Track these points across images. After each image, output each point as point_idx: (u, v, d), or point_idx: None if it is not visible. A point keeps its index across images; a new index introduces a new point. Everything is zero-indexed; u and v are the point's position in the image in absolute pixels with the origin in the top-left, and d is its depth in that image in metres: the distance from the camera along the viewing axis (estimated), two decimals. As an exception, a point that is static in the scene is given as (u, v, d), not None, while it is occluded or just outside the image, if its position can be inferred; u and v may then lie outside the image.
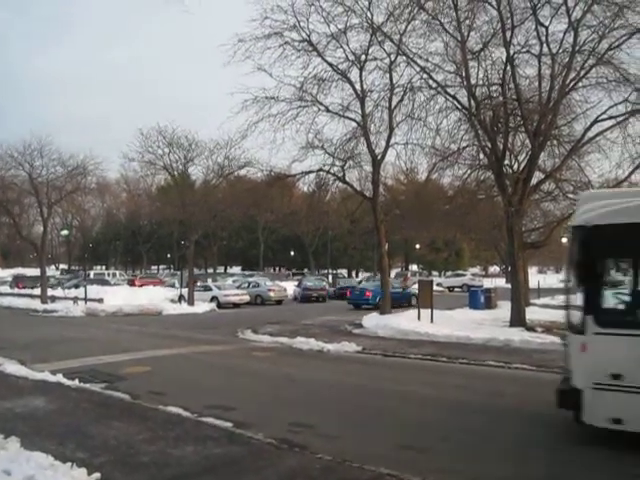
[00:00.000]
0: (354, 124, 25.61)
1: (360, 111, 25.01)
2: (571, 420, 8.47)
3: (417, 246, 73.77)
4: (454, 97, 22.34)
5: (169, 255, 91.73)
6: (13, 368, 14.22)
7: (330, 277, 62.70)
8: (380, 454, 7.80)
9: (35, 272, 50.16)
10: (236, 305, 39.11)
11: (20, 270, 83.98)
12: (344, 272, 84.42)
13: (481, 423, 9.63)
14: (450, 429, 9.23)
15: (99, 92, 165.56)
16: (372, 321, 23.22)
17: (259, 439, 8.46)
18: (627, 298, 9.01)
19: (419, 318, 22.57)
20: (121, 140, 58.60)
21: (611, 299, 8.85)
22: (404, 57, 23.08)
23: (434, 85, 22.57)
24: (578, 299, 8.24)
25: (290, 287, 47.70)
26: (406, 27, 22.59)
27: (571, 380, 8.36)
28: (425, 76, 22.62)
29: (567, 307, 8.60)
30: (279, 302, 42.34)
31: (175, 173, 39.81)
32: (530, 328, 20.87)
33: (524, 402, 11.02)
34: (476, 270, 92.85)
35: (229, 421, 9.51)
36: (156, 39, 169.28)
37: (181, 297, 38.24)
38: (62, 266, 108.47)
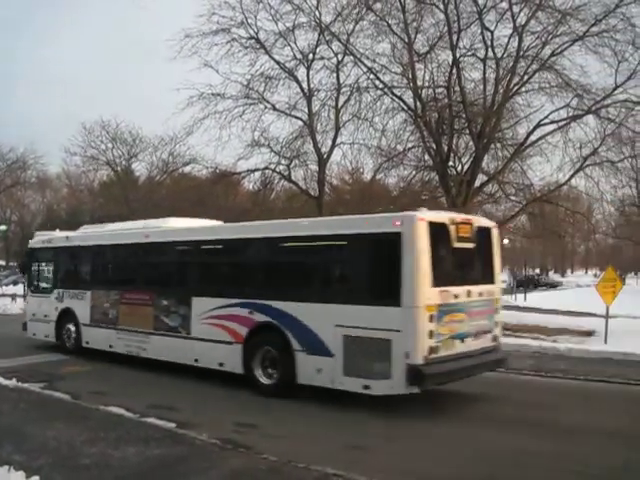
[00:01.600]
0: (300, 123, 25.70)
1: (307, 110, 25.04)
2: None
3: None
4: (400, 98, 22.56)
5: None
6: (-56, 367, 13.79)
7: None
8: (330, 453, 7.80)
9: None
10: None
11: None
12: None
13: None
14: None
15: (41, 88, 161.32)
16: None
17: (203, 439, 8.35)
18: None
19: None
20: (62, 134, 57.34)
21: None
22: (351, 57, 23.22)
23: (381, 86, 22.75)
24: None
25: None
26: (354, 27, 22.75)
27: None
28: (372, 77, 22.79)
29: None
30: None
31: (118, 169, 39.48)
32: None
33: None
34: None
35: (172, 421, 9.34)
36: (101, 32, 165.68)
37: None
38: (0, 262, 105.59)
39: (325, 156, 25.81)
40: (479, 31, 21.10)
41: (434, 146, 22.48)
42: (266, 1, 23.13)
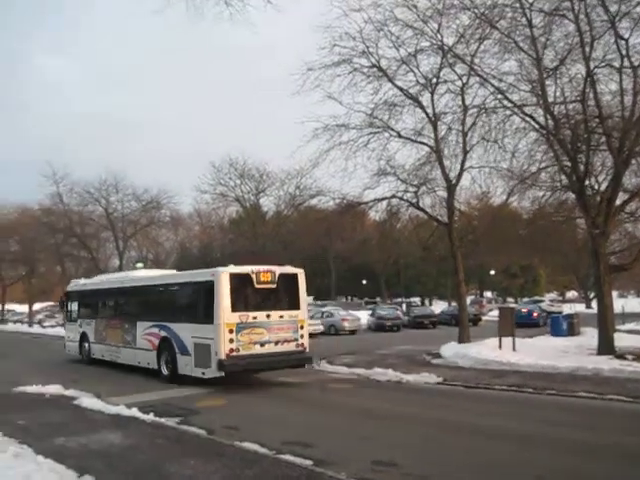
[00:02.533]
0: (427, 149, 25.11)
1: (433, 135, 24.49)
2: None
3: (492, 272, 72.10)
4: (531, 117, 21.55)
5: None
6: (89, 402, 14.15)
7: (404, 305, 61.79)
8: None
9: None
10: (310, 335, 38.62)
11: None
12: (417, 300, 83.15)
13: (582, 462, 8.88)
14: (544, 469, 8.50)
15: (167, 130, 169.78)
16: (451, 350, 22.39)
17: (342, 479, 7.95)
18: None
19: (500, 347, 21.64)
20: (194, 174, 59.63)
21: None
22: (477, 78, 22.50)
23: (509, 105, 21.84)
24: None
25: (363, 316, 47.10)
26: (478, 47, 22.08)
27: None
28: (499, 96, 21.93)
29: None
30: (353, 332, 41.76)
31: (247, 204, 40.16)
32: (620, 356, 19.68)
33: (627, 437, 10.18)
34: (553, 295, 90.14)
35: (308, 458, 9.00)
36: (221, 73, 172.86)
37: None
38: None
39: (454, 181, 25.10)
40: (612, 40, 19.88)
41: (569, 164, 21.31)
42: (387, 29, 22.94)
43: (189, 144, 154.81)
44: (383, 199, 26.64)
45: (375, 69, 23.71)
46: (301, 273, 18.70)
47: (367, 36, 23.11)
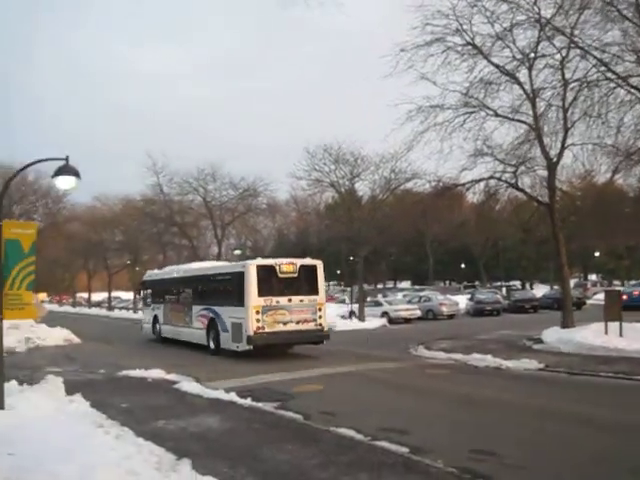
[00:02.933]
0: (525, 127, 24.18)
1: (531, 112, 23.58)
2: None
3: (596, 254, 69.40)
4: (637, 88, 20.41)
5: (339, 272, 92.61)
6: (189, 386, 14.46)
7: (503, 289, 60.45)
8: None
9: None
10: (407, 320, 38.49)
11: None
12: (517, 284, 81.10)
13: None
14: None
15: (262, 118, 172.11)
16: (553, 335, 21.61)
17: (438, 467, 7.73)
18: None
19: (606, 332, 20.69)
20: (288, 161, 59.99)
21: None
22: (577, 50, 21.44)
23: (613, 77, 20.75)
24: None
25: (462, 301, 46.39)
26: (577, 19, 20.99)
27: None
28: (602, 69, 20.83)
29: None
30: (451, 316, 41.25)
31: (342, 190, 39.93)
32: None
33: None
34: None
35: (405, 446, 8.83)
36: (313, 59, 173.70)
37: (352, 313, 38.17)
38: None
39: (554, 159, 24.09)
40: None
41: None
42: (480, 4, 22.16)
43: (284, 131, 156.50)
44: (480, 180, 25.92)
45: (469, 47, 22.98)
46: (320, 264, 22.21)
47: (460, 13, 22.41)
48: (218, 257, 49.04)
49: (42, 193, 47.09)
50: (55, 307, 76.48)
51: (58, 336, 28.25)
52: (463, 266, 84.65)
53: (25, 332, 26.81)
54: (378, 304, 41.17)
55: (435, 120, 23.90)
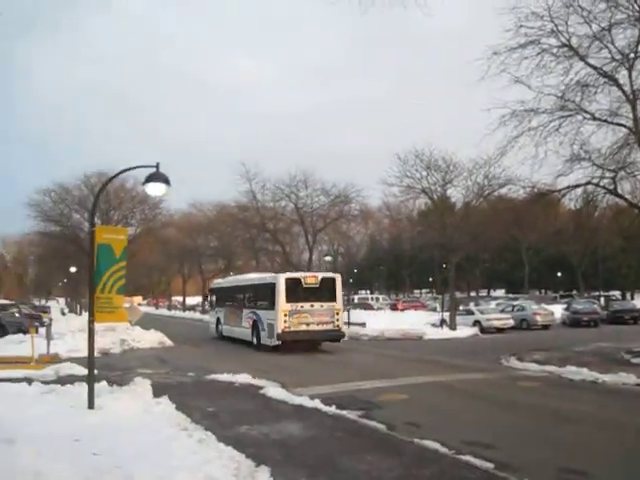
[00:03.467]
0: (624, 130, 23.18)
1: (631, 115, 22.57)
2: None
3: None
4: None
5: (431, 279, 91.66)
6: (274, 391, 14.48)
7: (602, 299, 58.23)
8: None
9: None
10: (499, 330, 37.59)
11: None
12: (616, 293, 77.86)
13: None
14: None
15: (352, 124, 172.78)
16: (656, 349, 20.61)
17: (524, 485, 7.41)
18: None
19: None
20: (379, 167, 59.84)
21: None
22: (683, 49, 20.42)
23: None
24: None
25: (557, 310, 44.96)
26: (682, 15, 20.03)
27: None
28: None
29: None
30: (546, 327, 39.97)
31: (434, 196, 39.44)
32: None
33: None
34: None
35: (490, 461, 8.50)
36: (396, 67, 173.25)
37: (443, 321, 37.60)
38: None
39: (658, 164, 22.99)
40: None
41: None
42: (576, 3, 21.41)
43: (374, 138, 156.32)
44: (577, 186, 24.98)
45: (565, 48, 22.23)
46: (338, 277, 27.52)
47: (555, 13, 21.70)
48: (309, 263, 49.31)
49: (139, 199, 48.68)
50: (151, 310, 78.96)
51: (152, 338, 29.04)
52: (559, 275, 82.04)
53: (120, 334, 27.73)
54: (470, 313, 40.41)
55: (529, 125, 23.24)
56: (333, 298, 26.11)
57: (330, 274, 28.72)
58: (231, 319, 31.95)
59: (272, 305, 25.86)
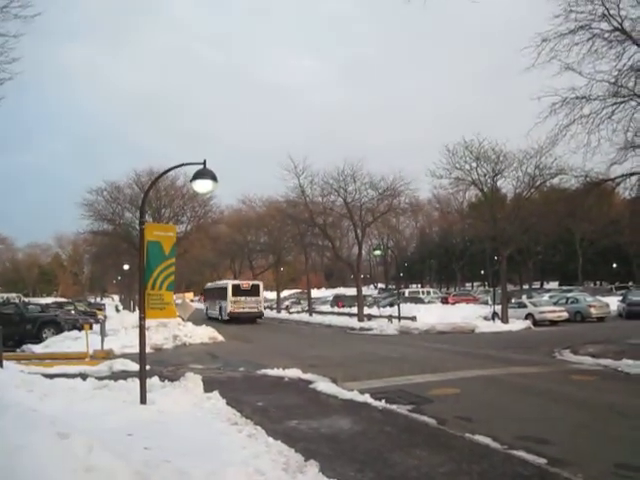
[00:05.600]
0: (683, 116, 22.54)
1: (690, 100, 21.93)
2: None
3: None
4: None
5: (482, 272, 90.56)
6: (324, 386, 14.45)
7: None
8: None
9: (354, 291, 52.51)
10: (553, 322, 36.94)
11: (341, 290, 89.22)
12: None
13: None
14: None
15: (399, 117, 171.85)
16: None
17: (578, 481, 7.24)
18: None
19: None
20: (428, 159, 59.36)
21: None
22: None
23: None
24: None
25: (613, 302, 43.96)
26: None
27: None
28: None
29: None
30: (601, 319, 39.12)
31: (484, 188, 38.88)
32: None
33: None
34: None
35: (543, 456, 8.36)
36: (443, 56, 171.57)
37: (494, 314, 37.13)
38: (380, 285, 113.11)
39: None
40: None
41: None
42: (629, -14, 20.90)
43: (421, 129, 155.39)
44: (632, 174, 24.34)
45: (617, 32, 21.62)
46: (261, 283, 50.46)
47: (607, -4, 21.24)
48: (359, 258, 49.17)
49: (189, 197, 49.19)
50: (202, 306, 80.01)
51: (203, 334, 29.37)
52: (615, 266, 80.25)
53: (172, 330, 28.10)
54: (522, 305, 39.78)
55: (581, 112, 22.70)
56: (257, 295, 48.44)
57: (256, 282, 51.27)
58: (210, 306, 53.70)
59: (226, 298, 47.26)
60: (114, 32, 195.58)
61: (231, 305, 46.31)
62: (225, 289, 48.13)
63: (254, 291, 47.87)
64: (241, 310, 46.18)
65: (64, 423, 5.84)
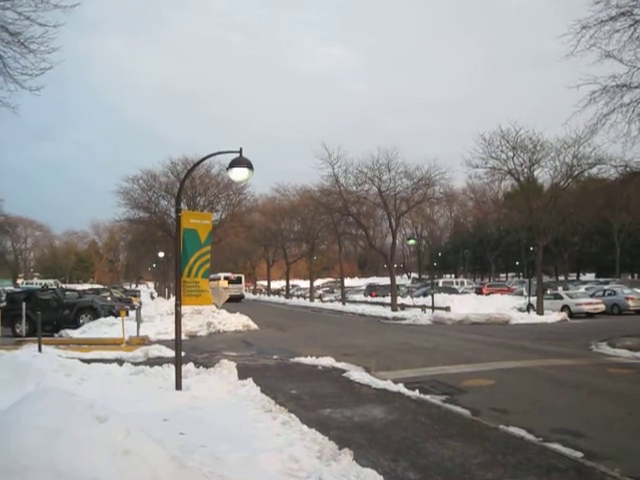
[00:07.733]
0: None
1: None
2: None
3: None
4: None
5: (517, 262, 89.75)
6: (358, 375, 14.49)
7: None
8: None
9: (387, 281, 52.49)
10: (589, 315, 36.46)
11: (374, 279, 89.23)
12: None
13: None
14: None
15: (434, 107, 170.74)
16: None
17: (615, 476, 7.18)
18: None
19: None
20: (463, 149, 58.83)
21: None
22: None
23: None
24: None
25: (652, 295, 43.21)
26: None
27: None
28: None
29: None
30: (639, 312, 38.54)
31: (520, 177, 38.44)
32: None
33: None
34: None
35: (578, 450, 8.31)
36: (479, 45, 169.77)
37: (529, 306, 36.78)
38: (414, 275, 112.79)
39: None
40: None
41: None
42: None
43: (456, 118, 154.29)
44: (673, 164, 23.98)
45: (663, 19, 21.28)
46: (242, 276, 77.05)
47: (649, -19, 20.87)
48: (392, 247, 48.99)
49: (224, 185, 49.47)
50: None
51: (237, 322, 29.56)
52: (654, 258, 78.91)
53: (207, 317, 28.35)
54: (558, 297, 39.32)
55: (621, 101, 22.28)
56: (240, 283, 71.74)
57: (239, 275, 74.80)
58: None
59: (218, 285, 56.13)
60: (147, 23, 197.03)
61: (222, 292, 53.35)
62: (219, 279, 65.88)
63: (237, 281, 71.60)
64: (230, 294, 52.22)
65: (102, 407, 5.92)
